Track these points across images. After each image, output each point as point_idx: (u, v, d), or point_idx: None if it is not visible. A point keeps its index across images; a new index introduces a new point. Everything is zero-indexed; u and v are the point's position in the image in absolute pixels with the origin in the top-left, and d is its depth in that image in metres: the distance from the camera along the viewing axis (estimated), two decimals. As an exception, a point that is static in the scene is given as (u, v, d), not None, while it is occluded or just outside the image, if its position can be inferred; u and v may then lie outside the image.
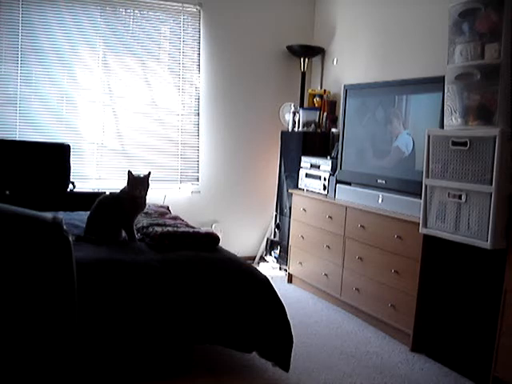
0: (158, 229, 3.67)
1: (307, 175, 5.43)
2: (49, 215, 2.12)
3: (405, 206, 4.15)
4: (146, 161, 5.77)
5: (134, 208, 3.66)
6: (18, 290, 2.02)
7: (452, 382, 3.52)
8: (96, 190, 5.36)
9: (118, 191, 3.73)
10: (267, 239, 6.23)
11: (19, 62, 5.21)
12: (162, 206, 4.75)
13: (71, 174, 5.16)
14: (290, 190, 5.69)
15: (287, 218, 5.79)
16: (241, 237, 6.20)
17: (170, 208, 4.80)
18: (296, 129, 5.91)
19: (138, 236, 3.68)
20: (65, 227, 2.09)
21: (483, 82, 3.39)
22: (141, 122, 5.76)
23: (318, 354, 3.84)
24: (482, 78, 3.39)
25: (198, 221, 5.39)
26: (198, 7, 5.84)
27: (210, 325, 3.23)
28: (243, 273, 3.44)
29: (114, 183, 5.37)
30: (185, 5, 5.80)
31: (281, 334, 3.35)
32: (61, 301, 2.08)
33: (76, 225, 3.87)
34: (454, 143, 3.46)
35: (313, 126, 5.78)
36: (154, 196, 4.97)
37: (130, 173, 3.64)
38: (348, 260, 4.66)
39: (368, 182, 4.63)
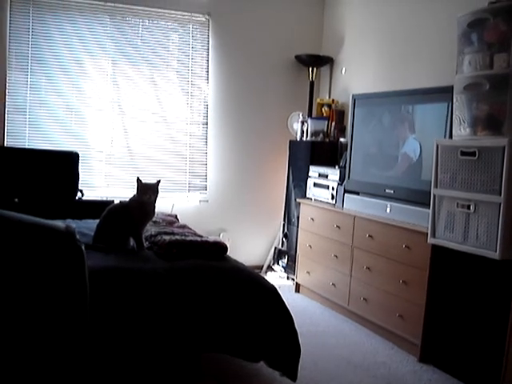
0: (166, 237, 3.67)
1: (315, 184, 5.43)
2: (62, 224, 2.12)
3: (413, 216, 4.14)
4: (155, 169, 5.79)
5: (143, 215, 3.66)
6: (32, 298, 2.02)
7: (460, 393, 3.51)
8: (104, 199, 5.38)
9: (128, 199, 3.74)
10: (275, 248, 6.23)
11: (29, 71, 5.25)
12: (170, 215, 4.75)
13: (80, 182, 5.17)
14: (297, 200, 5.69)
15: (295, 228, 5.78)
16: (248, 246, 6.20)
17: (178, 217, 4.80)
18: (304, 138, 5.91)
19: (146, 244, 3.68)
20: (77, 236, 2.10)
21: (492, 92, 3.39)
22: (149, 130, 5.79)
23: (325, 363, 3.83)
24: (491, 88, 3.39)
25: (206, 230, 5.40)
26: (207, 16, 5.87)
27: (217, 334, 3.23)
28: (251, 282, 3.43)
29: (123, 191, 5.40)
30: (193, 14, 5.83)
31: (288, 343, 3.34)
32: (74, 310, 2.08)
33: (84, 233, 3.88)
34: (463, 153, 3.46)
35: (321, 135, 5.79)
36: (162, 205, 4.99)
37: (138, 179, 3.65)
38: (356, 270, 4.65)
39: (376, 192, 4.63)
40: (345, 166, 5.12)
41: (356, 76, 5.77)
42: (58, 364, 2.09)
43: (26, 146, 5.24)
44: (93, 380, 2.80)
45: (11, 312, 1.99)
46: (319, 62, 6.12)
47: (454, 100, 3.65)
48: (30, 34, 5.22)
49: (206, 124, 6.00)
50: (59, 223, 2.14)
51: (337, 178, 5.14)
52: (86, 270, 2.13)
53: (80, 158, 5.19)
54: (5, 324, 1.99)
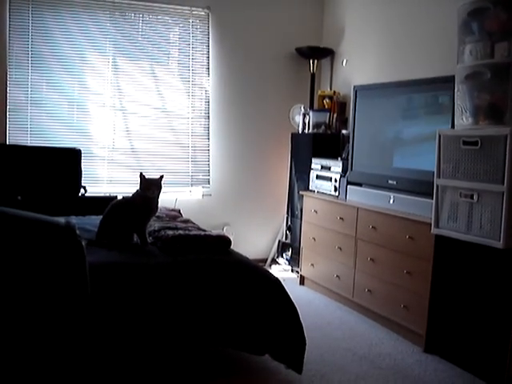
0: (170, 232, 3.68)
1: (318, 177, 5.43)
2: (62, 220, 2.13)
3: (416, 207, 4.13)
4: (157, 164, 5.79)
5: (147, 211, 3.66)
6: (32, 293, 2.03)
7: (465, 382, 3.50)
8: (107, 195, 5.38)
9: (131, 195, 3.74)
10: (279, 241, 6.23)
11: (29, 68, 5.25)
12: (173, 210, 4.76)
13: (83, 178, 5.17)
14: (300, 192, 5.69)
15: (298, 220, 5.78)
16: (252, 239, 6.20)
17: (181, 211, 4.81)
18: (306, 130, 5.90)
19: (149, 240, 3.68)
20: (78, 232, 2.11)
21: (493, 81, 3.38)
22: (151, 125, 5.78)
23: (330, 355, 3.83)
24: (492, 77, 3.38)
25: (210, 224, 5.39)
26: (207, 10, 5.86)
27: (222, 327, 3.23)
28: (255, 275, 3.44)
29: (126, 187, 5.38)
30: (193, 8, 5.82)
31: (293, 336, 3.34)
32: (74, 304, 2.09)
33: (87, 229, 3.88)
34: (465, 143, 3.45)
35: (323, 127, 5.78)
36: (166, 199, 4.97)
37: (141, 175, 3.66)
38: (360, 261, 4.65)
39: (379, 183, 4.62)
40: (347, 158, 5.11)
41: (357, 67, 5.75)
42: (60, 359, 2.10)
43: (28, 144, 5.24)
44: (95, 376, 2.80)
45: (12, 306, 2.00)
46: (320, 53, 6.11)
47: (456, 90, 3.64)
48: (30, 30, 5.21)
49: (208, 118, 6.00)
50: (60, 219, 2.15)
51: (339, 169, 5.14)
52: (87, 265, 2.14)
53: (82, 155, 5.19)
54: (5, 318, 1.99)
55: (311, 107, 6.06)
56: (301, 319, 3.40)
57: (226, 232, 5.81)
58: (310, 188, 5.56)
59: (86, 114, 5.52)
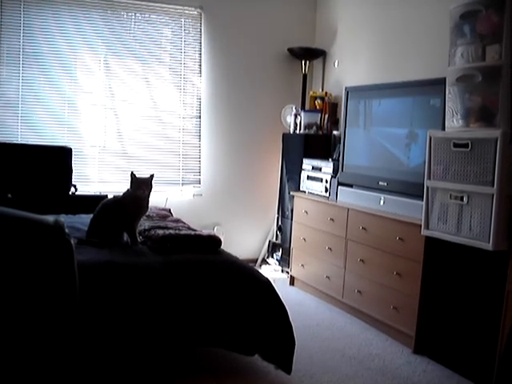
0: (160, 231, 3.67)
1: (309, 177, 5.43)
2: (51, 218, 2.11)
3: (406, 208, 4.14)
4: (148, 164, 5.77)
5: (137, 210, 3.65)
6: (20, 293, 2.01)
7: (454, 384, 3.52)
8: (98, 193, 5.36)
9: (121, 194, 3.73)
10: (269, 242, 6.23)
11: (21, 66, 5.22)
12: (163, 209, 4.75)
13: (73, 177, 5.16)
14: (291, 193, 5.69)
15: (289, 221, 5.78)
16: (243, 239, 6.20)
17: (171, 211, 4.80)
18: (297, 131, 5.91)
19: (139, 239, 3.68)
20: (67, 230, 2.09)
21: (484, 84, 3.39)
22: (142, 124, 5.77)
23: (320, 356, 3.84)
24: (483, 80, 3.39)
25: (200, 223, 5.39)
26: (199, 10, 5.85)
27: (211, 327, 3.23)
28: (245, 275, 3.43)
29: (116, 186, 5.37)
30: (186, 8, 5.81)
31: (283, 336, 3.34)
32: (62, 304, 2.08)
33: (78, 228, 3.88)
34: (456, 145, 3.46)
35: (314, 128, 5.78)
36: (156, 199, 4.97)
37: (132, 174, 3.65)
38: (350, 262, 4.65)
39: (369, 184, 4.63)
40: (338, 159, 5.12)
41: (349, 69, 5.76)
42: (46, 359, 2.09)
43: (19, 141, 5.21)
44: (83, 376, 2.79)
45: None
46: (312, 54, 6.11)
47: (447, 92, 3.65)
48: (22, 28, 5.19)
49: (199, 118, 5.99)
50: (49, 217, 2.13)
51: (330, 170, 5.14)
52: (75, 264, 2.12)
53: (73, 153, 5.17)
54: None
55: (303, 108, 6.07)
56: (290, 320, 3.39)
57: (216, 232, 5.81)
58: (301, 188, 5.56)
59: (77, 113, 5.50)
